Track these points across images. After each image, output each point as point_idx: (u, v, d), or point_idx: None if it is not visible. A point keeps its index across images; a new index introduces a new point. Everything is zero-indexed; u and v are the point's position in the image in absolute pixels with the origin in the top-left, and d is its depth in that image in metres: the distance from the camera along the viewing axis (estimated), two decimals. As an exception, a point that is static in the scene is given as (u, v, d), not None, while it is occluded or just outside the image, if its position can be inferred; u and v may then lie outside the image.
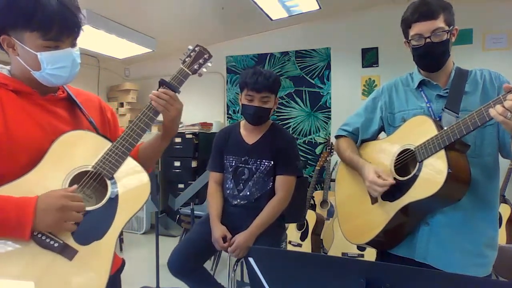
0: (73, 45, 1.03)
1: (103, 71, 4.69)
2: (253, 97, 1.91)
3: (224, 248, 1.87)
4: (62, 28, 0.97)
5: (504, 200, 3.18)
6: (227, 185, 2.03)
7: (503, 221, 2.99)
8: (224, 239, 1.87)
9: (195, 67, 1.23)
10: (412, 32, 1.34)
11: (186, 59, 1.22)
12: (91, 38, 3.61)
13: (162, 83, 1.17)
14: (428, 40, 1.30)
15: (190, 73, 1.22)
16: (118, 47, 4.09)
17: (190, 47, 1.25)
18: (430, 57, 1.34)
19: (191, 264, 1.93)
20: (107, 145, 1.07)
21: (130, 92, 4.69)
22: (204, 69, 1.26)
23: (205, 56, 1.24)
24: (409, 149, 1.33)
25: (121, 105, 4.69)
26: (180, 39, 4.35)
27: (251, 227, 1.86)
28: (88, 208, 0.99)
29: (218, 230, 1.89)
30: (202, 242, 1.94)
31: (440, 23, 1.29)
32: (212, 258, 3.14)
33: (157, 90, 1.16)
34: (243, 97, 1.96)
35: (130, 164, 1.08)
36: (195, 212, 2.91)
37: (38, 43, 0.97)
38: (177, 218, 4.30)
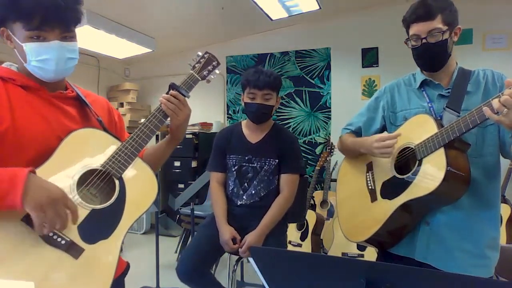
0: (64, 38, 1.00)
1: (103, 71, 4.69)
2: (255, 95, 1.92)
3: (234, 250, 1.86)
4: (44, 19, 0.95)
5: (504, 200, 3.18)
6: (230, 185, 2.02)
7: (503, 221, 2.99)
8: (233, 240, 1.86)
9: (204, 73, 1.25)
10: (410, 32, 1.36)
11: (196, 65, 1.24)
12: (91, 38, 3.61)
13: (172, 87, 1.17)
14: (424, 40, 1.31)
15: (200, 79, 1.24)
16: (118, 47, 4.09)
17: (200, 53, 1.26)
18: (427, 57, 1.35)
19: (201, 270, 1.91)
20: (116, 144, 1.08)
21: (130, 92, 4.68)
22: (212, 76, 1.28)
23: (214, 63, 1.27)
24: (409, 147, 1.33)
25: (121, 105, 4.69)
26: (180, 39, 4.36)
27: (261, 226, 1.86)
28: (96, 207, 0.99)
29: (227, 232, 1.87)
30: (208, 246, 1.92)
31: (437, 23, 1.29)
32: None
33: (167, 93, 1.16)
34: (245, 95, 1.97)
35: (138, 164, 1.08)
36: (195, 212, 2.91)
37: (23, 34, 0.96)
38: (177, 218, 4.30)
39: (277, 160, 1.96)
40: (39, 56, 0.98)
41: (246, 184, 1.98)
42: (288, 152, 1.98)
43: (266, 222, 1.87)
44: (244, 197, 1.98)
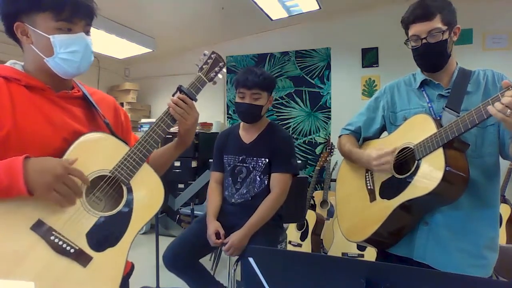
0: (86, 32, 1.03)
1: (103, 71, 4.69)
2: (244, 94, 1.94)
3: (217, 244, 1.88)
4: (74, 9, 0.97)
5: (504, 200, 3.18)
6: (226, 184, 2.05)
7: (503, 221, 2.99)
8: (218, 235, 1.88)
9: (212, 75, 1.22)
10: (410, 33, 1.36)
11: (204, 66, 1.21)
12: (91, 38, 3.61)
13: (180, 90, 1.15)
14: (424, 41, 1.31)
15: (207, 81, 1.21)
16: (118, 47, 4.09)
17: (206, 53, 1.23)
18: (428, 57, 1.35)
19: (185, 260, 1.95)
20: (125, 149, 1.06)
21: (130, 92, 4.69)
22: (220, 76, 1.25)
23: (220, 64, 1.24)
24: (408, 147, 1.33)
25: (121, 105, 4.69)
26: (180, 39, 4.36)
27: (245, 226, 1.86)
28: (104, 214, 0.99)
29: (212, 226, 1.91)
30: (195, 238, 1.96)
31: (436, 23, 1.29)
32: (212, 258, 3.14)
33: (173, 95, 1.14)
34: (236, 95, 1.99)
35: (146, 170, 1.07)
36: (195, 212, 2.91)
37: (51, 25, 0.96)
38: (177, 218, 4.30)
39: (267, 160, 1.96)
40: (69, 47, 0.99)
41: (239, 184, 2.00)
42: (278, 151, 1.96)
43: (252, 222, 1.87)
44: (236, 196, 1.99)
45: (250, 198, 1.97)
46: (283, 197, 1.96)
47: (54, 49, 0.98)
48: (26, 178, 0.86)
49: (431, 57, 1.35)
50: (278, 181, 1.95)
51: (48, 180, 0.88)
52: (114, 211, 1.00)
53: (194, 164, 4.37)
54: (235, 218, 1.94)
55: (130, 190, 1.03)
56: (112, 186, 1.03)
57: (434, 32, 1.30)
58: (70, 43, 0.99)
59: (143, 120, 4.58)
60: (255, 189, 1.97)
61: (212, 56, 1.23)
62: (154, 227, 3.00)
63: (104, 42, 3.80)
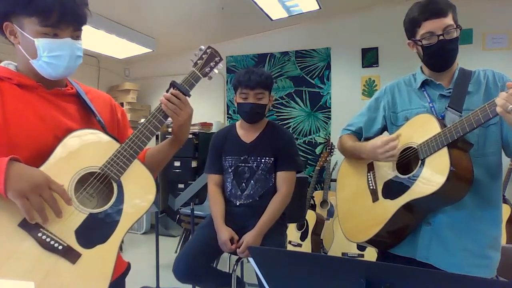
0: (74, 37, 1.01)
1: (103, 71, 4.69)
2: (247, 95, 1.93)
3: (232, 250, 1.86)
4: (61, 16, 0.95)
5: (504, 200, 3.18)
6: (227, 186, 2.02)
7: (503, 221, 2.99)
8: (231, 241, 1.86)
9: (207, 70, 1.20)
10: (422, 30, 1.32)
11: (198, 61, 1.19)
12: (91, 38, 3.61)
13: (173, 85, 1.13)
14: (441, 37, 1.29)
15: (202, 76, 1.19)
16: (118, 47, 4.09)
17: (202, 48, 1.21)
18: (444, 54, 1.33)
19: (196, 270, 1.91)
20: (116, 146, 1.05)
21: (130, 92, 4.69)
22: (216, 71, 1.22)
23: (216, 59, 1.21)
24: (411, 147, 1.33)
25: (121, 105, 4.69)
26: (180, 39, 4.36)
27: (259, 225, 1.86)
28: (93, 211, 0.98)
29: (225, 232, 1.86)
30: (204, 246, 1.92)
31: (450, 20, 1.29)
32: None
33: (167, 91, 1.13)
34: (237, 96, 1.98)
35: (136, 167, 1.06)
36: (195, 212, 2.90)
37: (36, 29, 0.95)
38: (177, 218, 4.30)
39: (273, 159, 1.96)
40: (52, 52, 0.98)
41: (243, 184, 1.98)
42: (283, 150, 1.97)
43: (263, 221, 1.87)
44: (242, 197, 1.98)
45: (257, 198, 1.96)
46: (291, 195, 1.97)
47: (38, 52, 0.97)
48: (6, 178, 0.85)
49: (446, 55, 1.33)
50: (285, 179, 1.96)
51: (23, 186, 0.86)
52: (104, 208, 0.99)
53: (194, 164, 4.38)
54: (243, 220, 1.93)
55: (120, 187, 1.02)
56: (102, 183, 1.02)
57: (450, 28, 1.29)
58: (54, 48, 0.98)
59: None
60: (262, 189, 1.96)
61: (208, 51, 1.20)
62: (154, 227, 3.00)
63: (104, 42, 3.81)
